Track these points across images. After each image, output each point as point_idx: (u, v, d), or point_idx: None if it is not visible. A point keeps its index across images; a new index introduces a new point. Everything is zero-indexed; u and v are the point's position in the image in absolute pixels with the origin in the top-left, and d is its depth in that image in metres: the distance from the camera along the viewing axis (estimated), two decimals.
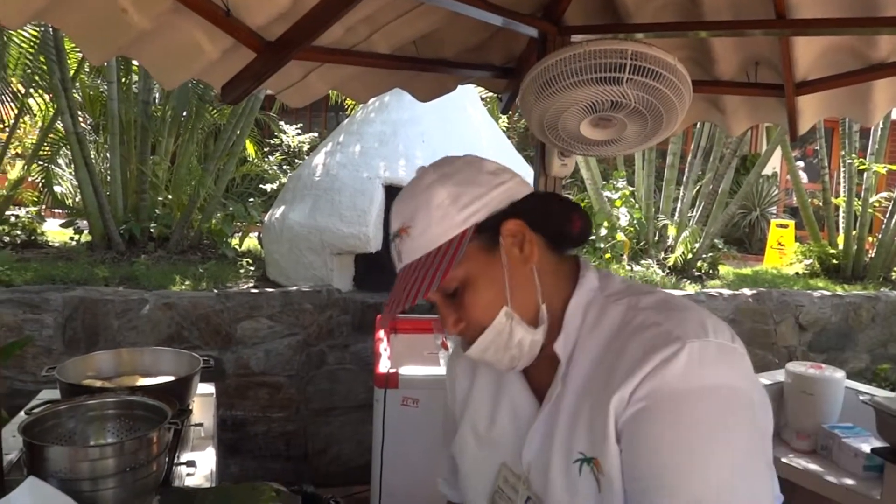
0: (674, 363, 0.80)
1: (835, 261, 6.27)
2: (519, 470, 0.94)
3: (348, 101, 7.76)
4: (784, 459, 2.44)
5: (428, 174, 0.94)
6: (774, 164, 9.79)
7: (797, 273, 6.30)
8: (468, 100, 4.81)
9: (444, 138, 4.40)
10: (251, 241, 5.74)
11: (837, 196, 6.75)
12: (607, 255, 5.44)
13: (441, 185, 0.91)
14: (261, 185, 7.56)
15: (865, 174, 6.22)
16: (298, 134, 9.17)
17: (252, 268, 4.76)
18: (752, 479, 0.78)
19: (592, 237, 5.67)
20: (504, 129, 8.17)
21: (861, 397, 2.41)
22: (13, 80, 5.55)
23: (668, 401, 0.79)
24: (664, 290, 1.03)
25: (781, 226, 7.89)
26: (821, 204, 6.83)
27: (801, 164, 9.27)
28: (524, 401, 0.97)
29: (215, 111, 6.34)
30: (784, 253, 7.38)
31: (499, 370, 0.99)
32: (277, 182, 7.40)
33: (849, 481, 2.25)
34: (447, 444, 1.13)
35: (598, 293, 0.94)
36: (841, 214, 6.53)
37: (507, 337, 0.89)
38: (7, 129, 6.01)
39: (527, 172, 4.44)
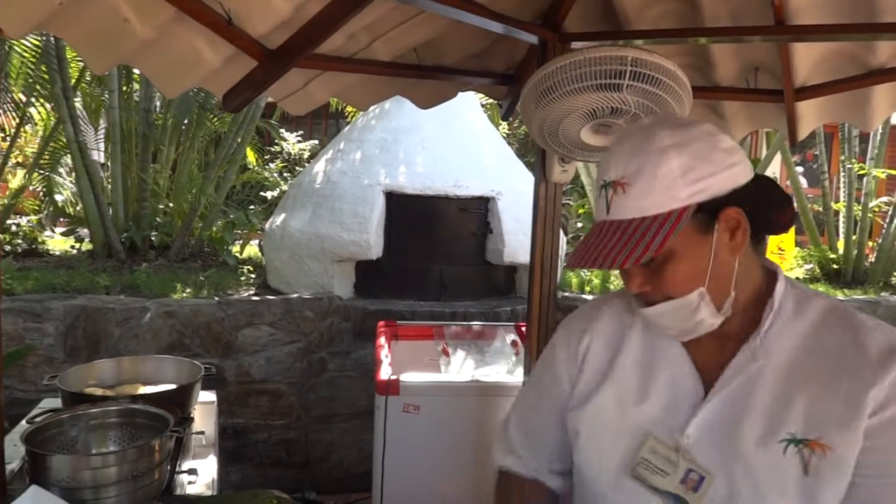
0: None
1: (835, 266, 6.26)
2: (674, 442, 0.95)
3: (349, 109, 7.77)
4: None
5: (663, 134, 0.91)
6: (774, 170, 9.78)
7: (797, 278, 6.30)
8: (468, 107, 4.82)
9: (445, 145, 4.41)
10: (252, 249, 5.75)
11: (837, 201, 6.75)
12: None
13: (676, 152, 0.89)
14: (261, 193, 7.56)
15: (865, 179, 6.22)
16: (299, 141, 9.18)
17: (253, 275, 4.77)
18: None
19: None
20: (504, 135, 8.18)
21: None
22: (15, 89, 5.56)
23: None
24: None
25: None
26: (821, 209, 6.83)
27: (800, 168, 9.28)
28: (688, 377, 0.98)
29: (216, 119, 6.35)
30: (784, 258, 7.37)
31: (655, 343, 1.02)
32: (278, 189, 7.40)
33: None
34: (542, 414, 1.14)
35: (790, 287, 0.98)
36: (841, 219, 6.53)
37: (690, 313, 0.92)
38: (8, 139, 6.02)
39: (527, 179, 4.45)
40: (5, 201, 5.76)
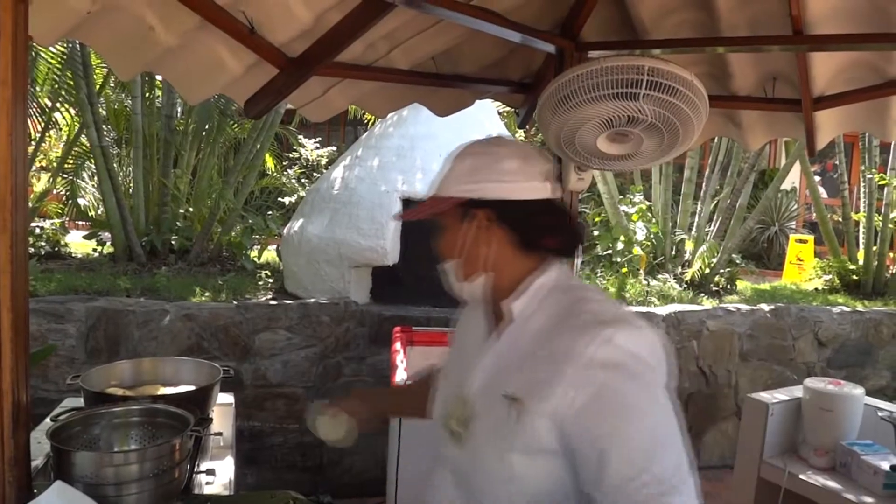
0: (612, 338, 1.05)
1: (855, 276, 6.20)
2: (465, 393, 1.20)
3: (367, 116, 7.83)
4: (802, 476, 2.42)
5: (474, 145, 1.22)
6: (793, 179, 9.71)
7: (816, 289, 6.24)
8: (485, 114, 4.85)
9: None
10: (270, 254, 5.80)
11: (857, 211, 6.68)
12: (624, 270, 5.43)
13: (470, 158, 1.20)
14: (279, 199, 7.64)
15: (886, 189, 6.16)
16: (317, 148, 9.25)
17: (271, 280, 4.81)
18: (669, 428, 1.05)
19: (609, 251, 5.66)
20: None
21: (880, 414, 2.39)
22: (41, 94, 5.67)
23: (615, 374, 1.04)
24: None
25: (800, 241, 7.83)
26: (840, 219, 6.77)
27: (818, 178, 9.20)
28: (483, 340, 1.24)
29: (236, 125, 6.43)
30: (803, 268, 7.31)
31: (480, 317, 1.29)
32: (296, 195, 7.47)
33: (868, 499, 2.23)
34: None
35: (555, 282, 1.19)
36: (861, 230, 6.46)
37: (452, 276, 1.25)
38: (33, 143, 6.13)
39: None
40: (30, 204, 5.86)
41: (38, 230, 5.47)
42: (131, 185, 5.58)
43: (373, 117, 6.93)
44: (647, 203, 6.23)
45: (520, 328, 1.17)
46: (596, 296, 1.18)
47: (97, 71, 5.55)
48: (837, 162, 6.82)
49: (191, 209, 5.80)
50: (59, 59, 5.31)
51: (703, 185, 6.53)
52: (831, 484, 2.35)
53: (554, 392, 1.05)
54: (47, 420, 1.76)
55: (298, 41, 2.00)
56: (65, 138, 7.09)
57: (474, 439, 1.17)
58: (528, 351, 1.13)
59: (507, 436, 1.11)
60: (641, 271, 5.54)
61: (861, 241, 6.41)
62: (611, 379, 1.04)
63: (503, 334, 1.18)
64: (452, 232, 1.21)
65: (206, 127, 5.89)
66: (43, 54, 5.26)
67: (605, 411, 1.04)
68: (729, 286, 5.75)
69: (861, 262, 6.26)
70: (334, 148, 9.50)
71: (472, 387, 1.19)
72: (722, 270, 5.78)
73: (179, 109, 5.94)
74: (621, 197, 6.20)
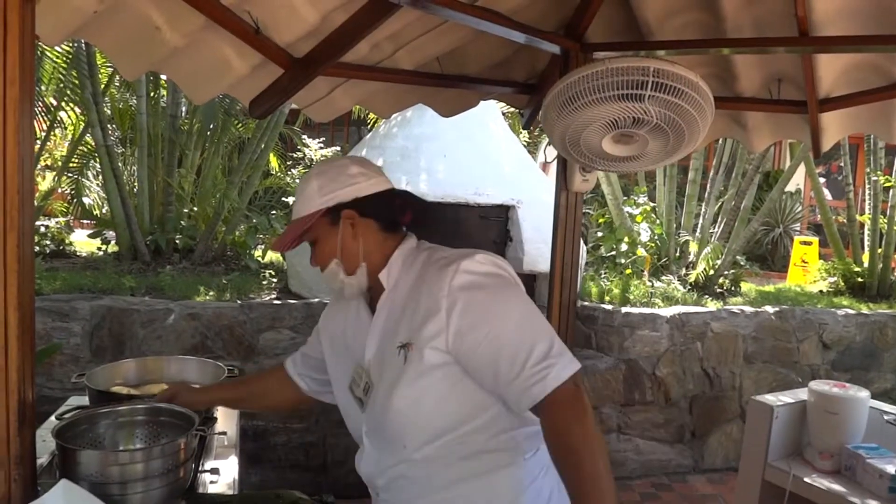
0: (463, 267, 1.27)
1: (860, 279, 6.18)
2: (363, 364, 1.39)
3: (371, 116, 7.83)
4: (807, 479, 2.41)
5: (314, 168, 1.44)
6: (798, 181, 9.69)
7: (821, 291, 6.22)
8: (490, 115, 4.84)
9: (466, 153, 4.43)
10: (274, 254, 5.80)
11: (862, 213, 6.66)
12: (628, 271, 5.42)
13: (315, 178, 1.40)
14: (283, 198, 7.64)
15: (891, 191, 6.14)
16: (321, 148, 9.24)
17: (274, 279, 4.81)
18: (535, 319, 1.27)
19: (612, 253, 5.65)
20: (525, 144, 8.19)
21: (886, 417, 2.38)
22: (46, 93, 5.68)
23: (473, 292, 1.26)
24: None
25: (805, 243, 7.80)
26: (845, 221, 6.74)
27: (822, 180, 9.17)
28: (365, 318, 1.43)
29: (240, 125, 6.43)
30: (808, 270, 7.29)
31: (354, 303, 1.48)
32: None
33: (873, 502, 2.22)
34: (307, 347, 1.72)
35: (412, 248, 1.42)
36: (866, 232, 6.44)
37: (333, 276, 1.40)
38: (38, 142, 6.14)
39: (547, 187, 4.45)
40: (35, 203, 5.87)
41: (43, 229, 5.48)
42: (136, 184, 5.59)
43: (376, 117, 6.93)
44: (651, 204, 6.22)
45: (394, 292, 1.37)
46: (444, 248, 1.42)
47: (102, 70, 5.56)
48: (842, 164, 6.80)
49: (195, 208, 5.80)
50: (64, 59, 5.32)
51: (708, 186, 6.52)
52: (836, 487, 2.34)
53: (434, 324, 1.25)
54: (52, 418, 1.76)
55: (304, 41, 2.01)
56: (70, 137, 7.10)
57: (375, 396, 1.35)
58: (406, 304, 1.33)
59: (400, 376, 1.29)
60: (645, 273, 5.53)
61: (866, 243, 6.39)
62: (471, 296, 1.25)
63: (381, 302, 1.39)
64: (327, 239, 1.39)
65: (211, 126, 5.89)
66: (48, 53, 5.27)
67: (477, 324, 1.24)
68: (733, 288, 5.73)
69: (866, 264, 6.24)
70: (338, 148, 9.50)
71: (368, 356, 1.38)
72: (726, 272, 5.76)
73: (184, 109, 5.94)
74: (625, 198, 6.19)
